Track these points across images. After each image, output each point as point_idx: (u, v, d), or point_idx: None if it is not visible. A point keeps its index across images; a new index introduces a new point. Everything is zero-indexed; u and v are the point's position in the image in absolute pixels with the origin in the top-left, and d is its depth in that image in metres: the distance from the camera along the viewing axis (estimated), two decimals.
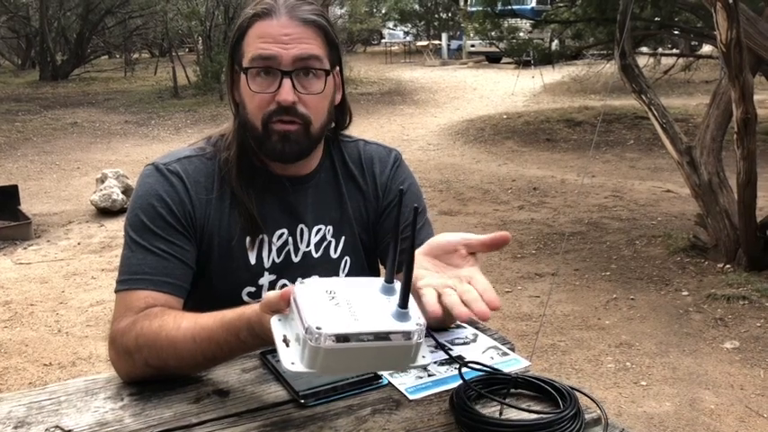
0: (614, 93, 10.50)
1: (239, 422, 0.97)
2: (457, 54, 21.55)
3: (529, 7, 15.66)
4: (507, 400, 0.99)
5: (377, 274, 1.40)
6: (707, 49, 11.66)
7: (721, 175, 4.83)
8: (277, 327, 0.89)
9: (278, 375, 1.07)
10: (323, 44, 1.23)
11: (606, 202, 6.69)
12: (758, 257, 4.57)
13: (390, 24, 26.40)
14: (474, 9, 11.34)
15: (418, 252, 1.00)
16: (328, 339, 0.79)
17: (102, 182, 6.59)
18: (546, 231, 5.79)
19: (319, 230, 1.33)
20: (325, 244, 1.34)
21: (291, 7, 1.21)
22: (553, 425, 0.92)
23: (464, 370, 1.01)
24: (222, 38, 14.12)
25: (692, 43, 13.55)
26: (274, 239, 1.29)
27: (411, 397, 1.03)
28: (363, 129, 9.85)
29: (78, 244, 5.68)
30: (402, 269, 0.84)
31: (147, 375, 1.08)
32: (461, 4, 17.70)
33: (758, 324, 3.94)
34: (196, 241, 1.25)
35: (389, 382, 1.06)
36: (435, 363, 1.11)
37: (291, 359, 0.83)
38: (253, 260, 1.28)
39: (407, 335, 0.82)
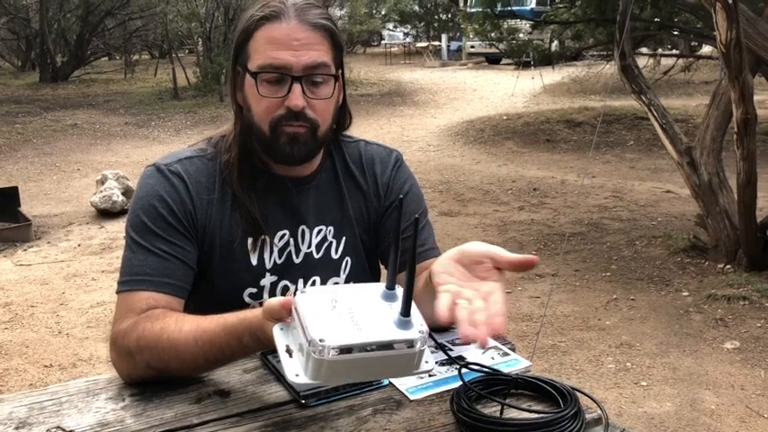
0: (614, 93, 10.49)
1: (241, 422, 0.97)
2: (457, 55, 21.53)
3: (528, 8, 15.67)
4: (507, 401, 0.99)
5: (377, 275, 1.40)
6: (707, 49, 11.67)
7: (721, 176, 4.83)
8: (279, 336, 0.88)
9: (279, 376, 1.07)
10: (330, 48, 1.23)
11: (606, 202, 6.69)
12: (758, 258, 4.57)
13: (390, 25, 26.40)
14: (474, 10, 11.35)
15: (448, 257, 1.01)
16: (332, 351, 0.79)
17: (103, 183, 6.59)
18: (546, 232, 5.79)
19: (320, 231, 1.33)
20: (326, 245, 1.33)
21: (300, 11, 1.20)
22: (554, 424, 0.92)
23: (464, 370, 1.01)
24: (222, 39, 14.10)
25: (692, 44, 13.55)
26: (276, 240, 1.29)
27: (412, 397, 1.03)
28: (363, 130, 9.83)
29: (78, 245, 5.68)
30: (403, 270, 0.84)
31: (149, 377, 1.08)
32: (461, 5, 17.75)
33: (758, 324, 3.94)
34: (197, 242, 1.25)
35: (390, 383, 1.07)
36: (436, 363, 1.10)
37: (295, 371, 0.83)
38: (254, 261, 1.28)
39: (410, 343, 0.82)
